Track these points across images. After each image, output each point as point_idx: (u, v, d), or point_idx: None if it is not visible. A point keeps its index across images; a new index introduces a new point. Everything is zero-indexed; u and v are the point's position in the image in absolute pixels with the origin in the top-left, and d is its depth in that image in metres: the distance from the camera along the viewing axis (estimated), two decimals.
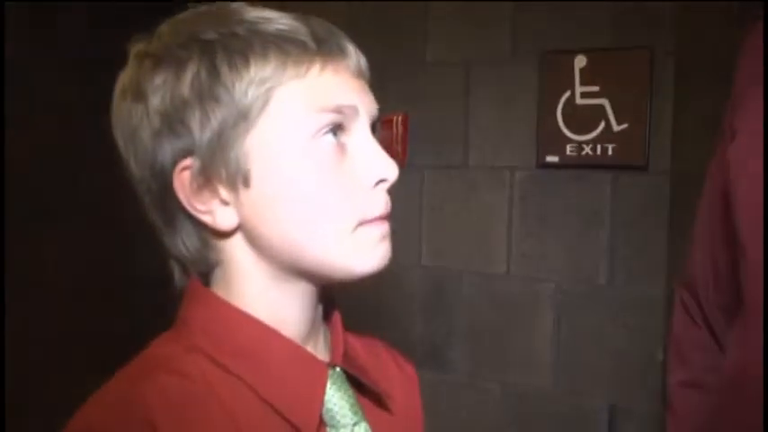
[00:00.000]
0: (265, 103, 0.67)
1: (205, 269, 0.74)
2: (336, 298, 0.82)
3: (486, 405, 2.33)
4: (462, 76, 2.38)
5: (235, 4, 0.72)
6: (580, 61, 2.15)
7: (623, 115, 2.09)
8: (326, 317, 0.80)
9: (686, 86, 2.08)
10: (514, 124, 2.29)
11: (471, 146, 2.36)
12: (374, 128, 0.74)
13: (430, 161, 2.38)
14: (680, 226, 2.09)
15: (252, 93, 0.66)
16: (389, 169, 0.71)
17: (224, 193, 0.69)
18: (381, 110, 0.76)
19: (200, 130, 0.67)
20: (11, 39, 2.05)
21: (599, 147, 2.13)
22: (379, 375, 0.82)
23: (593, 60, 2.14)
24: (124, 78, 0.71)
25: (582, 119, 2.15)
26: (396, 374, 0.87)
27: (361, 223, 0.70)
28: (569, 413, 2.21)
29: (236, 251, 0.72)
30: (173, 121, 0.67)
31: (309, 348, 0.75)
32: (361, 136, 0.71)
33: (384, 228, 0.72)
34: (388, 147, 1.93)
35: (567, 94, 2.18)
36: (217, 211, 0.69)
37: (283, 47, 0.67)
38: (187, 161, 0.68)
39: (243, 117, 0.67)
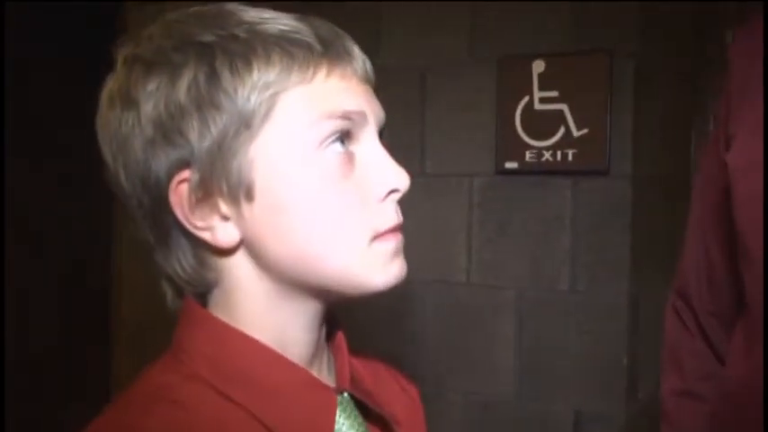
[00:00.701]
0: (269, 109, 0.62)
1: (202, 289, 0.69)
2: None
3: (450, 415, 2.30)
4: (418, 82, 2.34)
5: (230, 5, 0.67)
6: (538, 66, 2.14)
7: (583, 120, 2.07)
8: (329, 337, 0.76)
9: (646, 90, 2.08)
10: (472, 130, 2.26)
11: (428, 153, 2.33)
12: (381, 135, 0.70)
13: None
14: (642, 230, 2.10)
15: (255, 99, 0.61)
16: (401, 179, 0.67)
17: (224, 207, 0.64)
18: None
19: (199, 139, 0.62)
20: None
21: (559, 152, 2.11)
22: (384, 398, 0.78)
23: (552, 65, 2.12)
24: (112, 84, 0.66)
25: (541, 124, 2.14)
26: (400, 397, 0.83)
27: (377, 236, 0.65)
28: (534, 420, 2.18)
29: (237, 269, 0.67)
30: (168, 129, 0.62)
31: (314, 372, 0.70)
32: (370, 144, 0.67)
33: (399, 240, 0.68)
34: None
35: (526, 99, 2.16)
36: (217, 228, 0.64)
37: (288, 49, 0.63)
38: (185, 173, 0.62)
39: (245, 125, 0.62)
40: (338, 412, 0.68)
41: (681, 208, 2.47)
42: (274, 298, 0.67)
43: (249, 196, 0.63)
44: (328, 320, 0.74)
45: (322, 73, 0.64)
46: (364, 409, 0.72)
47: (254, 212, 0.63)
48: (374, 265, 0.66)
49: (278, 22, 0.64)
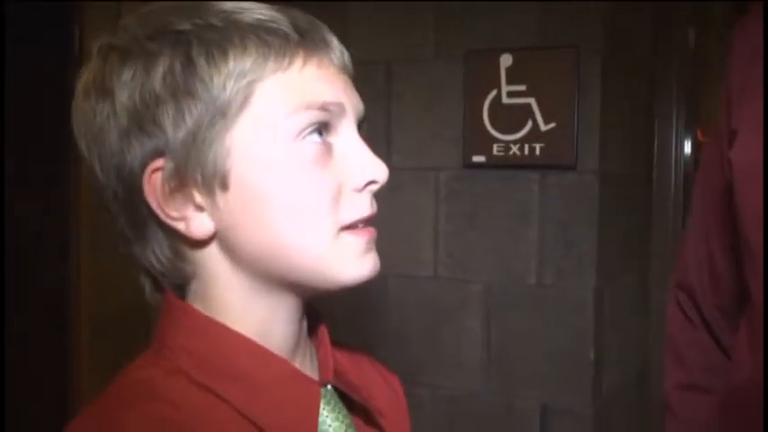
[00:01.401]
0: (246, 98, 0.61)
1: (180, 282, 0.68)
2: None
3: (417, 409, 2.29)
4: (384, 76, 2.33)
5: None
6: (506, 60, 2.14)
7: (550, 114, 2.08)
8: (311, 331, 0.75)
9: (613, 85, 2.10)
10: (439, 124, 2.26)
11: (395, 147, 2.32)
12: (360, 127, 0.70)
13: None
14: (609, 225, 2.12)
15: (231, 87, 0.61)
16: (380, 171, 0.67)
17: (199, 197, 0.63)
18: None
19: (174, 128, 0.61)
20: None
21: (526, 146, 2.12)
22: (368, 390, 0.77)
23: (519, 59, 2.12)
24: (87, 75, 0.65)
25: (509, 118, 2.14)
26: (383, 389, 0.83)
27: (347, 226, 0.65)
28: (501, 414, 2.19)
29: (213, 261, 0.66)
30: (143, 119, 0.61)
31: (297, 365, 0.70)
32: (348, 136, 0.67)
33: (372, 235, 0.67)
34: None
35: (494, 93, 2.16)
36: (191, 218, 0.63)
37: (264, 38, 0.62)
38: (158, 162, 0.62)
39: (221, 114, 0.61)
40: (322, 404, 0.68)
41: (645, 203, 2.51)
42: (250, 291, 0.66)
43: (224, 186, 0.62)
44: (309, 314, 0.73)
45: (299, 62, 0.64)
46: (348, 401, 0.72)
47: (229, 203, 0.63)
48: (346, 259, 0.65)
49: (255, 11, 0.64)
